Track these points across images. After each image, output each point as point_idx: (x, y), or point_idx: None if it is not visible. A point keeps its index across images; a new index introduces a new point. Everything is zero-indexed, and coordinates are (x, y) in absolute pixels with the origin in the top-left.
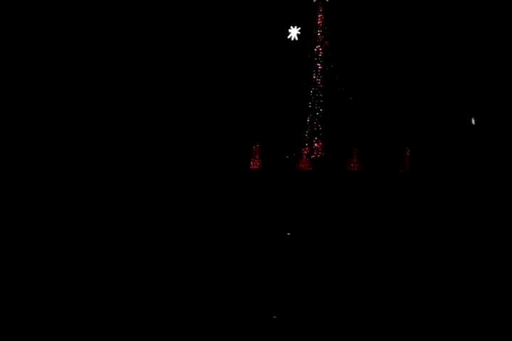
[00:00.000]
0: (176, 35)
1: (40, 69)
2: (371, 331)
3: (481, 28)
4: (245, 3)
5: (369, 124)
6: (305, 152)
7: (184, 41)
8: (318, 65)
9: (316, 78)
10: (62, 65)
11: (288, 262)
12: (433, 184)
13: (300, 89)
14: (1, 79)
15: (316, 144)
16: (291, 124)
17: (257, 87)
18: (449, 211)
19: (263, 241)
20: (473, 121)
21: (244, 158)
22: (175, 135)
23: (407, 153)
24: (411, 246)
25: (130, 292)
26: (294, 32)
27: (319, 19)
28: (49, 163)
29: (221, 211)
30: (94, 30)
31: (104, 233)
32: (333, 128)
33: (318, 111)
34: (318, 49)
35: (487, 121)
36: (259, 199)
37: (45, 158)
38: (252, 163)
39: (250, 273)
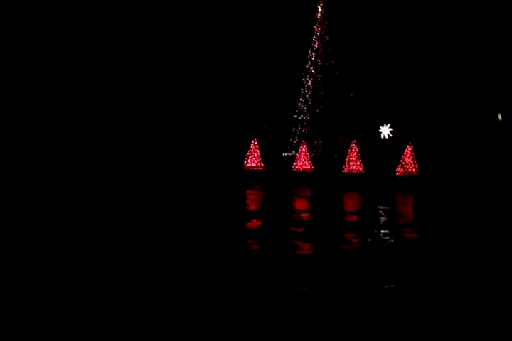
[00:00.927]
0: (176, 34)
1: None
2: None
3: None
4: None
5: (370, 121)
6: (304, 150)
7: (184, 39)
8: (319, 60)
9: (317, 74)
10: (63, 66)
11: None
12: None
13: (299, 86)
14: (1, 79)
15: (315, 142)
16: (289, 121)
17: (255, 84)
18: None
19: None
20: (499, 117)
21: (241, 155)
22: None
23: (411, 152)
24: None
25: (128, 290)
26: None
27: (319, 13)
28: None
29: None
30: (95, 30)
31: (101, 231)
32: (334, 125)
33: (318, 108)
34: (318, 44)
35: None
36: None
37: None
38: (249, 160)
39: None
